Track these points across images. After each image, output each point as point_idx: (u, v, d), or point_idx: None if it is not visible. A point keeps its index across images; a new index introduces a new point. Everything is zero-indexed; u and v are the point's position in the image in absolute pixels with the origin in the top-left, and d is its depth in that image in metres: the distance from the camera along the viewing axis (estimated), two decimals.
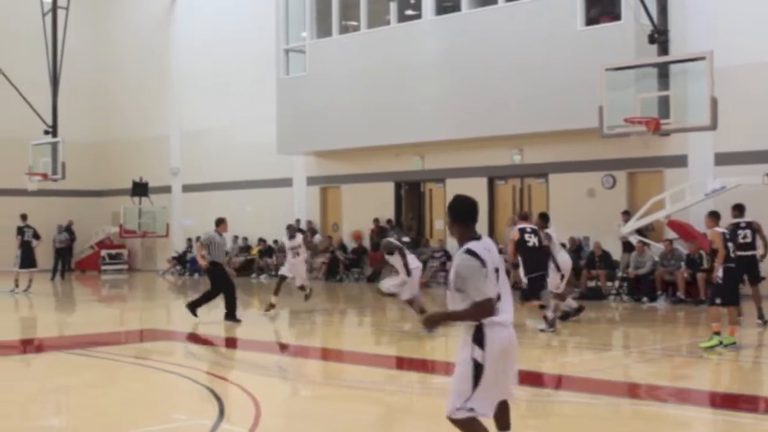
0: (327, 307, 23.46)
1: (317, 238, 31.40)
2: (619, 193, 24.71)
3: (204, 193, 35.31)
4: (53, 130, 31.98)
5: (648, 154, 23.04)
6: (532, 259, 16.78)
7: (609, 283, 23.07)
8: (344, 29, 29.81)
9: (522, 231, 17.01)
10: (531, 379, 11.90)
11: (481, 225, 26.28)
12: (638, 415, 10.23)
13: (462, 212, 6.54)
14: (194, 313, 18.45)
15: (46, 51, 32.26)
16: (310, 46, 30.18)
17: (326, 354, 15.21)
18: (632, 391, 11.70)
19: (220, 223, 19.03)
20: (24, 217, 27.73)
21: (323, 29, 30.03)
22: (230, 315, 18.37)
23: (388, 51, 27.76)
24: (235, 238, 33.00)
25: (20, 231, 27.32)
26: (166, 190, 37.07)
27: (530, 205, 26.68)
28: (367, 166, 29.81)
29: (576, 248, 24.36)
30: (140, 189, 36.08)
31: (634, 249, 22.66)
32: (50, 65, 32.40)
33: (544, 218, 17.86)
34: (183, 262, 34.77)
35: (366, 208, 29.71)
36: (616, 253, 23.70)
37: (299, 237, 21.11)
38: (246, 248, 33.18)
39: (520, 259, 16.85)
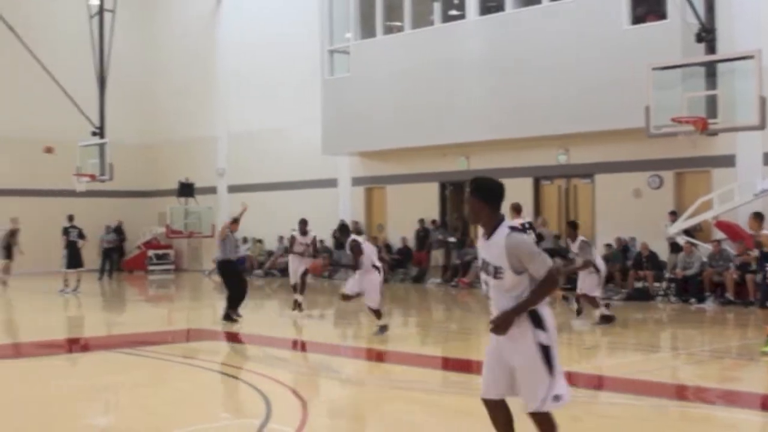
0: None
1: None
2: (666, 194, 24.50)
3: (249, 194, 35.42)
4: (101, 132, 32.28)
5: (695, 153, 22.83)
6: None
7: (656, 284, 22.90)
8: (388, 30, 29.84)
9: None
10: (577, 379, 11.84)
11: None
12: (686, 417, 10.15)
13: (496, 193, 6.43)
14: (233, 319, 18.58)
15: (93, 54, 32.58)
16: (355, 47, 30.24)
17: (372, 354, 15.23)
18: (680, 392, 11.61)
19: (234, 222, 19.32)
20: (71, 218, 28.01)
21: (367, 30, 30.08)
22: (229, 311, 18.55)
23: (433, 51, 27.73)
24: (280, 238, 33.12)
25: (66, 231, 27.59)
26: (212, 190, 37.31)
27: (576, 206, 26.57)
28: (412, 166, 29.80)
29: (622, 249, 24.22)
30: (186, 190, 36.33)
31: (682, 250, 22.46)
32: (97, 68, 32.71)
33: (573, 227, 17.90)
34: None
35: (411, 209, 29.71)
36: (664, 253, 23.52)
37: (311, 235, 20.87)
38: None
39: None
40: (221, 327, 17.89)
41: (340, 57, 31.05)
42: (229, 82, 36.76)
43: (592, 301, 17.44)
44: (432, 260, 28.95)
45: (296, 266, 20.31)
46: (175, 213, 36.88)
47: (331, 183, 32.77)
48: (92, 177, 31.46)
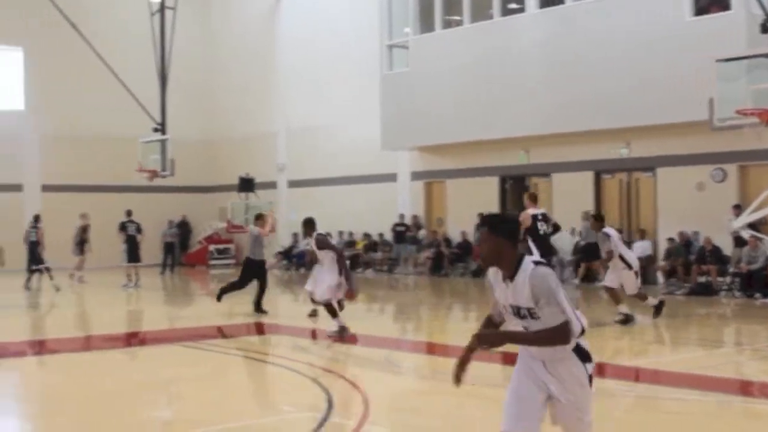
0: (433, 301, 23.48)
1: (422, 233, 31.46)
2: (730, 187, 24.15)
3: (309, 189, 35.67)
4: (162, 128, 32.61)
5: (760, 146, 22.43)
6: (542, 247, 16.37)
7: (720, 279, 22.61)
8: (447, 24, 29.78)
9: (534, 217, 16.86)
10: (640, 375, 11.75)
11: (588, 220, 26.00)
12: (749, 413, 10.02)
13: (516, 229, 5.82)
14: (263, 311, 19.10)
15: (154, 51, 32.92)
16: (413, 41, 30.22)
17: (433, 348, 15.22)
18: (744, 388, 11.45)
19: (258, 218, 19.90)
20: (129, 213, 28.37)
21: (426, 24, 30.04)
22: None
23: (492, 45, 27.62)
24: (340, 233, 33.24)
25: (123, 226, 27.95)
26: (272, 185, 37.53)
27: (638, 200, 26.31)
28: (472, 160, 29.71)
29: (685, 243, 23.95)
30: (247, 185, 36.57)
31: (747, 244, 22.13)
32: (158, 65, 33.06)
33: (598, 219, 17.43)
34: (289, 256, 35.14)
35: (470, 203, 29.60)
36: (727, 248, 23.19)
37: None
38: (351, 243, 33.39)
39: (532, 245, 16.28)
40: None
41: (398, 52, 31.05)
42: (289, 78, 36.94)
43: (639, 296, 17.00)
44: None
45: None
46: (236, 208, 37.15)
47: (391, 178, 32.79)
48: (154, 173, 31.81)
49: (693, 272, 22.94)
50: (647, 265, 25.03)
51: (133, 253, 27.61)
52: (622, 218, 26.57)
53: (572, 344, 5.60)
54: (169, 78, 33.06)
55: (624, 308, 16.58)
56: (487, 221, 5.75)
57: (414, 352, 14.96)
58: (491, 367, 13.19)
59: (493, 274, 5.75)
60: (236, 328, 18.19)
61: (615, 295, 16.78)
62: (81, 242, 29.55)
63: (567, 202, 27.04)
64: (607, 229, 16.89)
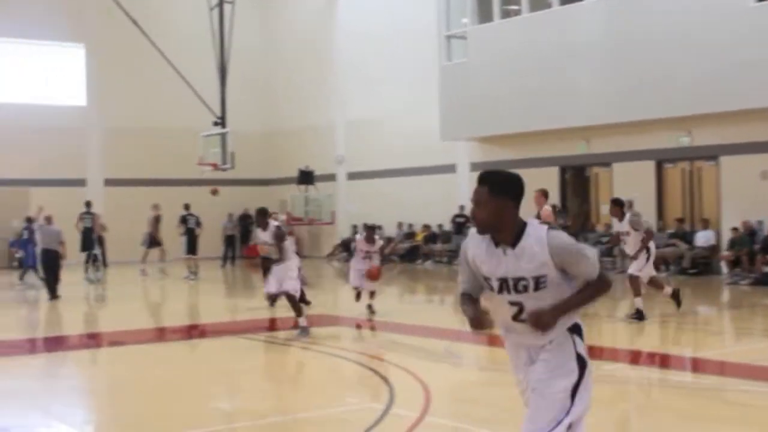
0: None
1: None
2: None
3: (368, 181, 35.72)
4: (222, 121, 32.84)
5: None
6: None
7: None
8: (505, 14, 29.61)
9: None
10: (704, 366, 11.62)
11: (650, 210, 25.77)
12: None
13: (520, 188, 5.10)
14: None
15: (214, 45, 33.15)
16: (472, 32, 30.10)
17: (493, 339, 15.16)
18: None
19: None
20: (187, 206, 28.70)
21: (484, 14, 29.90)
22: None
23: (551, 34, 27.41)
24: (399, 224, 33.26)
25: (183, 219, 28.29)
26: (331, 178, 37.64)
27: (700, 189, 25.99)
28: (531, 150, 29.51)
29: (749, 233, 23.61)
30: (306, 177, 36.72)
31: None
32: (218, 59, 33.28)
33: (617, 204, 16.50)
34: (348, 248, 35.22)
35: (530, 194, 29.36)
36: None
37: (379, 243, 18.14)
38: (410, 235, 33.38)
39: None
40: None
41: (457, 42, 30.95)
42: (347, 70, 37.00)
43: (657, 285, 16.30)
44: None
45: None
46: (296, 200, 37.34)
47: (450, 169, 32.70)
48: (214, 166, 32.05)
49: (757, 262, 22.62)
50: (710, 255, 24.75)
51: (191, 246, 27.98)
52: (685, 208, 26.27)
53: (569, 323, 5.15)
54: (229, 71, 33.29)
55: (640, 303, 15.79)
56: (487, 180, 5.05)
57: (474, 344, 14.90)
58: None
59: (475, 244, 5.16)
60: (296, 319, 18.25)
61: (637, 287, 15.88)
62: (152, 235, 29.89)
63: (628, 192, 26.74)
64: (630, 216, 16.16)
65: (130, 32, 32.17)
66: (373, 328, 16.33)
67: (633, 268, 15.96)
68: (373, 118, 35.43)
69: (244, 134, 36.00)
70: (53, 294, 21.94)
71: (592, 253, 5.09)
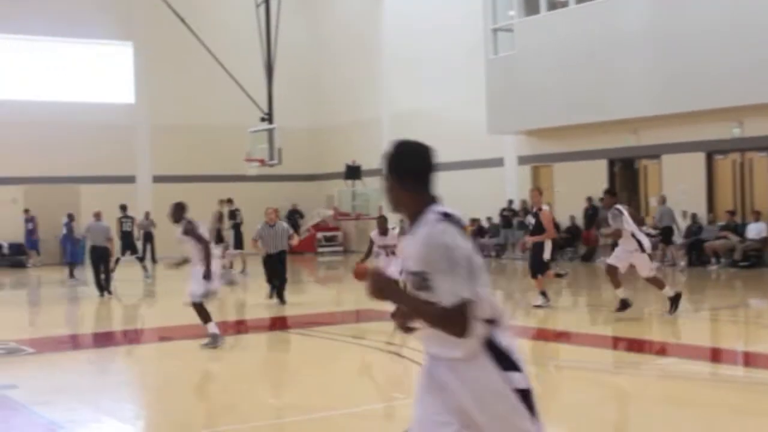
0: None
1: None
2: None
3: None
4: (269, 117, 32.93)
5: None
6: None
7: None
8: (552, 6, 29.40)
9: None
10: (757, 360, 11.45)
11: (700, 202, 25.50)
12: None
13: (419, 162, 4.45)
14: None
15: (260, 41, 33.25)
16: (518, 24, 29.93)
17: (541, 334, 15.06)
18: None
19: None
20: (230, 201, 28.99)
21: (531, 7, 29.71)
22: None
23: (598, 25, 27.17)
24: None
25: (233, 214, 28.54)
26: (378, 173, 37.50)
27: (752, 181, 25.64)
28: (579, 143, 29.30)
29: None
30: (353, 172, 36.75)
31: None
32: (264, 55, 33.38)
33: (612, 194, 16.10)
34: None
35: (579, 187, 29.23)
36: None
37: (393, 233, 16.94)
38: None
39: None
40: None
41: (503, 35, 30.80)
42: (393, 64, 36.95)
43: (656, 282, 15.53)
44: (601, 239, 28.44)
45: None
46: (343, 195, 37.37)
47: (497, 162, 32.56)
48: (261, 161, 32.17)
49: None
50: (762, 247, 24.41)
51: (239, 241, 28.23)
52: (736, 200, 25.93)
53: (474, 340, 4.12)
54: (276, 67, 33.39)
55: (622, 293, 15.45)
56: (385, 157, 4.50)
57: (521, 338, 14.80)
58: (600, 353, 12.99)
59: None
60: (346, 314, 18.30)
61: (615, 278, 15.46)
62: (218, 230, 30.06)
63: (678, 185, 26.50)
64: (620, 206, 15.59)
65: (178, 30, 32.37)
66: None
67: (612, 259, 15.64)
68: (420, 112, 35.32)
69: (290, 130, 36.08)
70: (102, 290, 22.09)
71: (465, 277, 4.06)
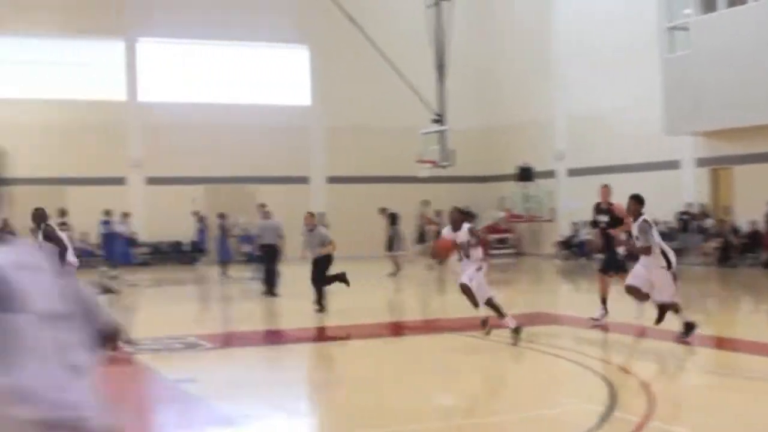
0: (720, 293, 22.53)
1: (708, 222, 30.23)
2: None
3: (588, 177, 35.00)
4: (441, 119, 32.98)
5: None
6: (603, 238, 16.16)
7: None
8: (731, 2, 28.44)
9: (596, 207, 16.54)
10: None
11: None
12: None
13: None
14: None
15: (431, 42, 33.34)
16: (695, 22, 29.08)
17: (721, 343, 14.57)
18: None
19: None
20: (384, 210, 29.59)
21: (707, 4, 28.84)
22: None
23: None
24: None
25: (392, 217, 28.93)
26: (550, 174, 37.19)
27: None
28: (762, 145, 28.20)
29: None
30: (526, 174, 36.47)
31: None
32: (436, 56, 33.46)
33: (637, 201, 14.23)
34: (569, 246, 34.73)
35: (761, 190, 28.14)
36: None
37: (465, 228, 14.24)
38: None
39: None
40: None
41: (679, 34, 30.01)
42: (566, 63, 36.43)
43: (673, 307, 13.51)
44: None
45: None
46: (514, 197, 37.13)
47: (673, 165, 31.69)
48: (433, 163, 32.24)
49: None
50: None
51: (393, 243, 28.57)
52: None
53: None
54: (447, 68, 33.42)
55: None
56: None
57: (700, 346, 14.34)
58: None
59: None
60: (515, 318, 18.11)
61: (641, 297, 13.76)
62: (421, 233, 30.50)
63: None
64: (647, 217, 13.85)
65: (351, 33, 32.79)
66: (594, 327, 15.98)
67: (634, 279, 13.68)
68: (593, 112, 34.74)
69: (461, 131, 36.01)
70: (270, 289, 22.04)
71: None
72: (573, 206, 35.04)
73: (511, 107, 39.48)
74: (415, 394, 10.63)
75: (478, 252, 14.07)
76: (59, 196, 31.72)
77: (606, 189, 16.78)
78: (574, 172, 36.07)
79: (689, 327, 13.30)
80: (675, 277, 13.70)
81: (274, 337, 16.59)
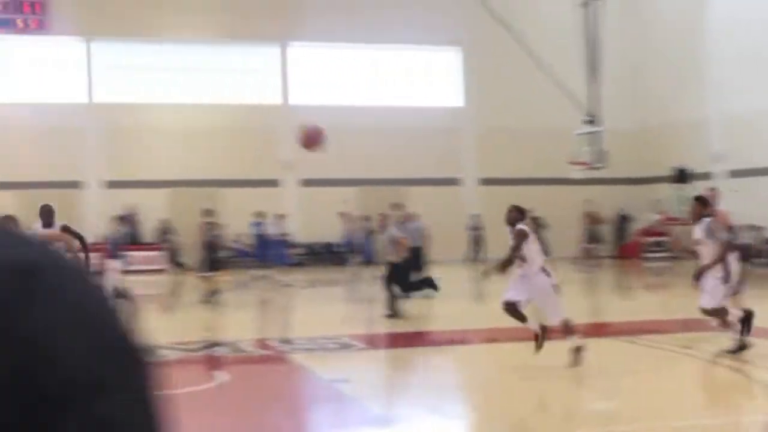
0: None
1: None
2: None
3: (750, 179, 33.93)
4: (594, 119, 32.54)
5: None
6: None
7: None
8: None
9: None
10: None
11: None
12: None
13: None
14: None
15: (584, 42, 32.92)
16: None
17: None
18: None
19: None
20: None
21: None
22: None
23: None
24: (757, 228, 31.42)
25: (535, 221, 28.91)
26: (706, 176, 36.18)
27: None
28: None
29: None
30: (683, 176, 35.68)
31: None
32: (587, 55, 33.02)
33: (701, 202, 13.23)
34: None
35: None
36: None
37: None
38: None
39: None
40: None
41: None
42: (721, 61, 35.37)
43: (720, 313, 12.37)
44: None
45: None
46: (670, 200, 36.33)
47: None
48: (587, 165, 31.82)
49: None
50: None
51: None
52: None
53: None
54: (600, 68, 32.95)
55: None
56: None
57: None
58: None
59: None
60: (673, 323, 17.73)
61: (722, 317, 12.40)
62: (591, 234, 30.34)
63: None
64: (709, 220, 12.71)
65: (502, 34, 32.68)
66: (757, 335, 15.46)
67: (708, 300, 12.34)
68: (752, 111, 33.64)
69: (614, 131, 35.40)
70: (407, 289, 20.40)
71: None
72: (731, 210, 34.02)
73: (663, 107, 38.65)
74: (573, 399, 10.51)
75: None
76: (219, 198, 32.33)
77: (713, 193, 15.85)
78: (735, 174, 35.00)
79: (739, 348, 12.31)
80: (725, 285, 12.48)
81: (426, 339, 16.59)
